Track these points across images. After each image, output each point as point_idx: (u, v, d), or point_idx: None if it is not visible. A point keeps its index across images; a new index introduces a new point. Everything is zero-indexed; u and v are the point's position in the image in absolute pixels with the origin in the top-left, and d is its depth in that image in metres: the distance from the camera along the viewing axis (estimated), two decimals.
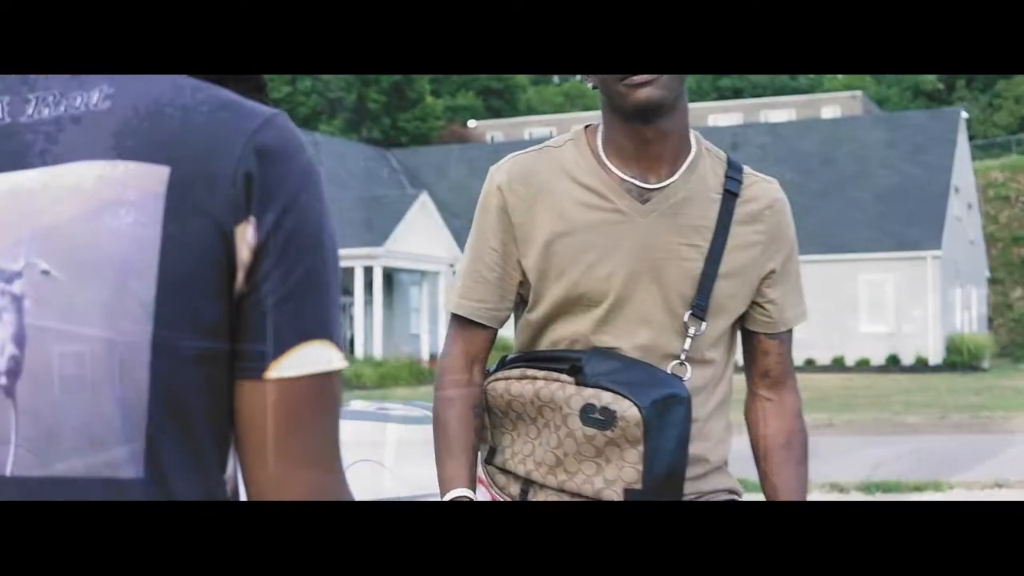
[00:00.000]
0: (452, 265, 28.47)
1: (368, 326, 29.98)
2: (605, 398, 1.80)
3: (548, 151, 1.94)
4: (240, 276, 0.96)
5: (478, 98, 62.20)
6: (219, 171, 0.95)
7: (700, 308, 1.88)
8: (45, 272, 0.94)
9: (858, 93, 53.56)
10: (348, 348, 26.77)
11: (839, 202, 32.21)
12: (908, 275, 30.27)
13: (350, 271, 28.59)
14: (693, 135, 1.94)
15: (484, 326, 1.95)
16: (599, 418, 1.80)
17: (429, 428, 1.97)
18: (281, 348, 0.96)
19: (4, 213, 0.96)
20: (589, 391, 1.82)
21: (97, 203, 0.94)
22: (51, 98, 0.99)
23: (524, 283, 1.93)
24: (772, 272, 1.95)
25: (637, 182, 1.88)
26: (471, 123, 56.99)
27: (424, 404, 3.99)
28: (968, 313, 34.07)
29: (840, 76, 67.06)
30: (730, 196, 1.91)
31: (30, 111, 0.99)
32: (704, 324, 1.89)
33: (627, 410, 1.78)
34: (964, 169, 34.66)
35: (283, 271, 0.96)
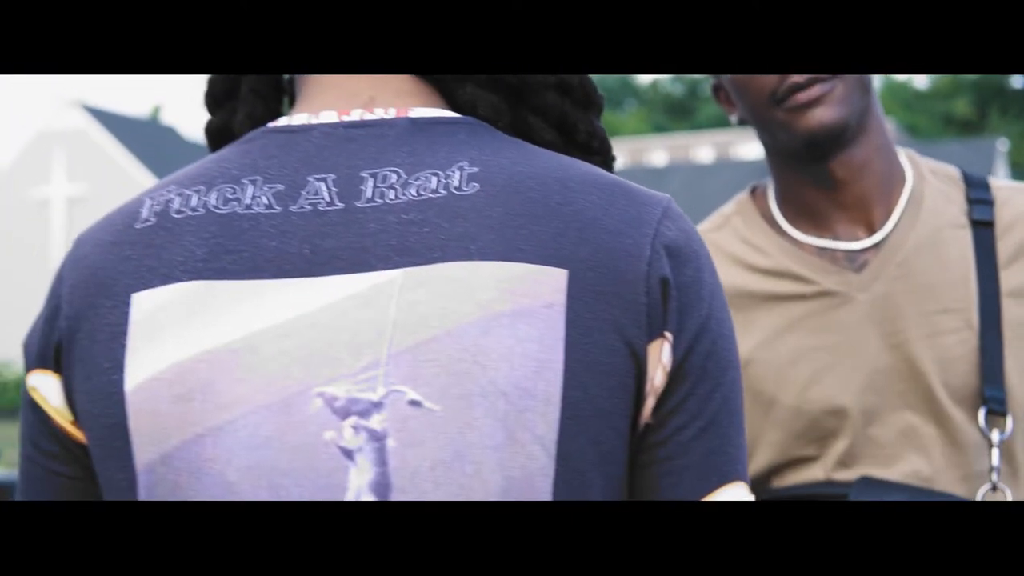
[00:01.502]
0: None
1: None
2: None
3: (705, 238, 1.38)
4: (648, 405, 0.78)
5: None
6: (627, 275, 0.77)
7: (997, 400, 1.30)
8: (415, 403, 0.74)
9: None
10: None
11: None
12: None
13: None
14: (904, 154, 1.42)
15: None
16: None
17: None
18: (695, 496, 0.79)
19: (354, 327, 0.75)
20: None
21: (483, 315, 0.75)
22: (394, 178, 0.79)
23: None
24: None
25: (841, 244, 1.37)
26: None
27: None
28: None
29: None
30: (983, 228, 1.36)
31: (369, 193, 0.79)
32: (1010, 420, 1.31)
33: None
34: None
35: (700, 399, 0.79)
